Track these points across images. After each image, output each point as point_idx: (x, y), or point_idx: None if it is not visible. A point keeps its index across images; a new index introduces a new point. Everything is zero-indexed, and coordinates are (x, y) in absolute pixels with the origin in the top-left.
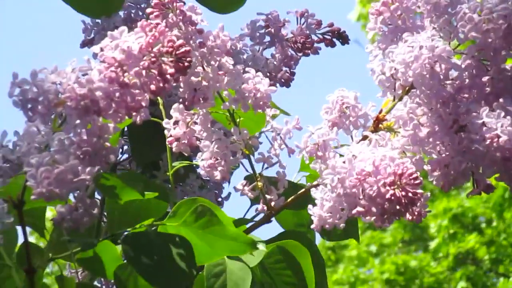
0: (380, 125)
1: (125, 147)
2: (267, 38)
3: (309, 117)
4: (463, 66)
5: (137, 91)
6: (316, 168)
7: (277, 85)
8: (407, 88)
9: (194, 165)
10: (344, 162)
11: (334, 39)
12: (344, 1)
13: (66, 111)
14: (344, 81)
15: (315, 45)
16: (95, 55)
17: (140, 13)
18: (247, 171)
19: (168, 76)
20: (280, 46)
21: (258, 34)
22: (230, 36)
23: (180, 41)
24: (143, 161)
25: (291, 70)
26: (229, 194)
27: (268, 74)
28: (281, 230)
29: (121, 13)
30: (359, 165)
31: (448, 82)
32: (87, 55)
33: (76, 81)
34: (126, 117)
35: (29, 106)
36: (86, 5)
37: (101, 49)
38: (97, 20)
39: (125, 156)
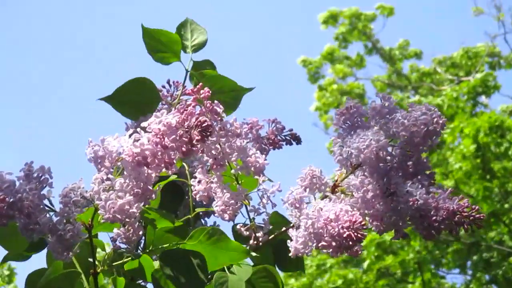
0: (336, 189)
1: None
2: (250, 136)
3: (285, 183)
4: (394, 153)
5: (172, 152)
6: (293, 215)
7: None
8: (355, 166)
9: (200, 213)
10: (313, 212)
11: (292, 140)
12: (306, 97)
13: (123, 164)
14: (306, 155)
15: (280, 143)
16: (143, 129)
17: None
18: (244, 217)
19: (194, 142)
20: (257, 142)
21: (244, 132)
22: None
23: (204, 118)
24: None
25: (265, 158)
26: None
27: None
28: None
29: None
30: (325, 214)
31: (383, 164)
32: (139, 129)
33: (132, 144)
34: (164, 170)
35: (99, 161)
36: (129, 111)
37: (148, 124)
38: (135, 122)
39: None
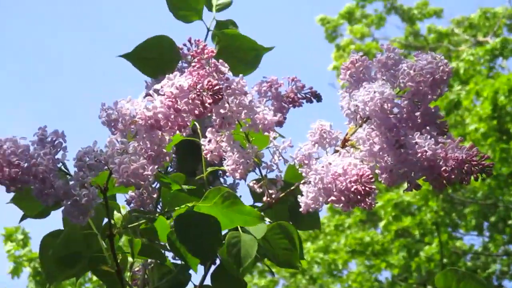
0: (346, 144)
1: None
2: (269, 94)
3: (296, 139)
4: (402, 105)
5: (185, 114)
6: (303, 171)
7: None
8: (364, 119)
9: (220, 172)
10: (322, 167)
11: (312, 98)
12: (324, 57)
13: (137, 128)
14: (323, 114)
15: (300, 100)
16: (156, 91)
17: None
18: (256, 174)
19: (207, 104)
20: (276, 100)
21: (263, 90)
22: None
23: (216, 82)
24: (185, 171)
25: (284, 116)
26: (240, 196)
27: None
28: None
29: None
30: (333, 169)
31: (392, 115)
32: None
33: (145, 107)
34: (177, 132)
35: (113, 124)
36: (148, 69)
37: (161, 87)
38: (155, 80)
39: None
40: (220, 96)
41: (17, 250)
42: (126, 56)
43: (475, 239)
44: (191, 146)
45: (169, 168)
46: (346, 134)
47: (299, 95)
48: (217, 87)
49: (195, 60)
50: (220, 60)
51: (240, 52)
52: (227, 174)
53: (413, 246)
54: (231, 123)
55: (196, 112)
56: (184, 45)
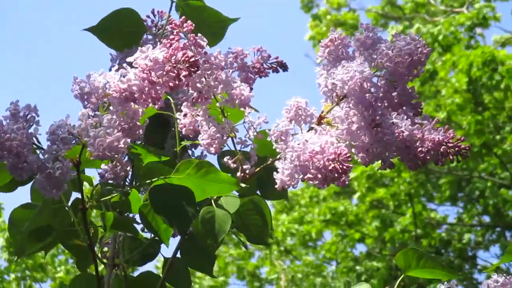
0: (322, 121)
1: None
2: (235, 65)
3: (272, 115)
4: (379, 84)
5: (159, 87)
6: (279, 147)
7: None
8: (341, 97)
9: (188, 145)
10: (299, 144)
11: (278, 67)
12: (300, 26)
13: (110, 100)
14: (298, 86)
15: (266, 70)
16: (129, 64)
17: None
18: (230, 149)
19: (182, 77)
20: (243, 71)
21: (229, 61)
22: None
23: (191, 54)
24: (153, 145)
25: (250, 86)
26: None
27: None
28: None
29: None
30: (310, 146)
31: (369, 94)
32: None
33: (119, 80)
34: (151, 105)
35: (85, 97)
36: (114, 42)
37: (134, 59)
38: (120, 53)
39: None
40: (195, 69)
41: None
42: (91, 30)
43: (449, 210)
44: (160, 119)
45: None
46: (322, 112)
47: (265, 65)
48: (193, 59)
49: (174, 32)
50: (199, 34)
51: (206, 24)
52: (195, 147)
53: (387, 217)
54: (208, 98)
55: (171, 84)
56: (148, 17)
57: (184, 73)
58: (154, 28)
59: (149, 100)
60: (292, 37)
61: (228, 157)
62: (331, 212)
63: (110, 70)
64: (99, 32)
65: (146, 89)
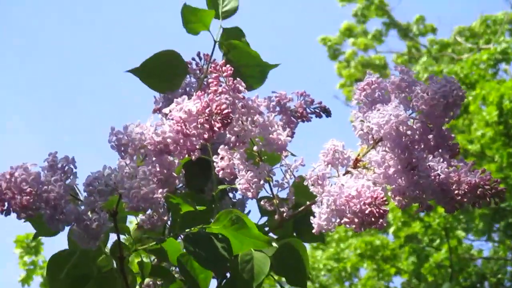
0: (358, 164)
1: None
2: (278, 108)
3: (307, 156)
4: (415, 127)
5: (194, 138)
6: (315, 191)
7: None
8: (377, 141)
9: (227, 189)
10: (335, 188)
11: (321, 113)
12: (328, 76)
13: (146, 152)
14: (328, 129)
15: (309, 115)
16: (164, 115)
17: (192, 91)
18: (267, 192)
19: (216, 129)
20: (285, 115)
21: (272, 105)
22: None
23: (224, 106)
24: (194, 188)
25: (292, 131)
26: (250, 211)
27: None
28: None
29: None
30: (346, 190)
31: (405, 137)
32: (160, 115)
33: (154, 132)
34: (186, 156)
35: (122, 148)
36: (156, 84)
37: (170, 111)
38: (163, 95)
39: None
40: (229, 121)
41: (29, 257)
42: (134, 71)
43: (484, 245)
44: (200, 163)
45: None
46: (358, 155)
47: (308, 110)
48: (226, 111)
49: (212, 76)
50: (238, 79)
51: (246, 67)
52: (236, 190)
53: (422, 251)
54: (245, 142)
55: (205, 136)
56: (193, 59)
57: (218, 125)
58: (198, 72)
59: (185, 152)
60: (320, 85)
61: (266, 200)
62: (367, 246)
63: (153, 112)
64: (142, 74)
65: (181, 141)
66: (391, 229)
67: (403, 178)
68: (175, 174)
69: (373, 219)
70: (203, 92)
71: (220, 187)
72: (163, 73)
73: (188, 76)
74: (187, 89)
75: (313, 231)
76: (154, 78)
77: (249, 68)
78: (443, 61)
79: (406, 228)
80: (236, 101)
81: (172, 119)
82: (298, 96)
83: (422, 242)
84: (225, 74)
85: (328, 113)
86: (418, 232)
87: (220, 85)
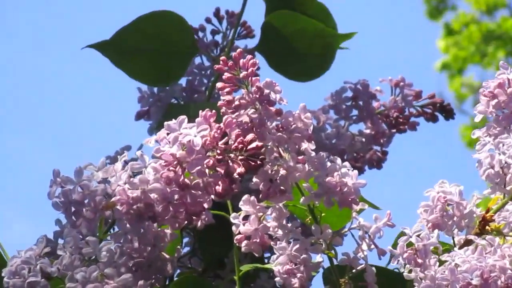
0: (487, 227)
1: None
2: (355, 112)
3: (400, 208)
4: None
5: (199, 192)
6: (411, 277)
7: (365, 168)
8: None
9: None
10: (445, 272)
11: (436, 113)
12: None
13: (115, 216)
14: (436, 155)
15: (412, 119)
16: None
17: (205, 81)
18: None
19: (236, 176)
20: (370, 121)
21: (344, 106)
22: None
23: (251, 135)
24: (209, 260)
25: (383, 149)
26: None
27: (354, 154)
28: None
29: (183, 79)
30: (463, 276)
31: None
32: (140, 151)
33: (127, 181)
34: (185, 223)
35: (73, 209)
36: (142, 71)
37: (156, 141)
38: (154, 89)
39: (186, 249)
40: (260, 161)
41: None
42: (99, 47)
43: None
44: (218, 221)
45: (184, 248)
46: (487, 211)
47: (411, 111)
48: (255, 144)
49: (225, 76)
50: (268, 79)
51: (298, 40)
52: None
53: None
54: (285, 190)
55: (218, 188)
56: (207, 21)
57: (239, 169)
58: (213, 48)
59: (182, 217)
60: (413, 63)
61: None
62: None
63: (137, 118)
64: (115, 51)
65: (176, 197)
66: None
67: None
68: (166, 256)
69: None
70: (211, 114)
71: (244, 267)
72: (155, 50)
73: (196, 57)
74: (194, 81)
75: None
76: (138, 58)
77: (303, 43)
78: None
79: None
80: (266, 118)
81: (160, 158)
82: (391, 87)
83: None
84: (243, 74)
85: (448, 113)
86: None
87: (236, 89)
